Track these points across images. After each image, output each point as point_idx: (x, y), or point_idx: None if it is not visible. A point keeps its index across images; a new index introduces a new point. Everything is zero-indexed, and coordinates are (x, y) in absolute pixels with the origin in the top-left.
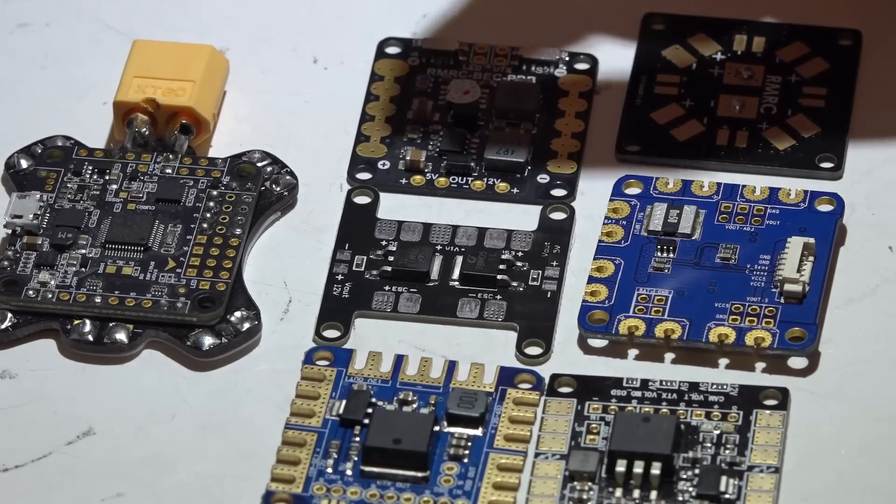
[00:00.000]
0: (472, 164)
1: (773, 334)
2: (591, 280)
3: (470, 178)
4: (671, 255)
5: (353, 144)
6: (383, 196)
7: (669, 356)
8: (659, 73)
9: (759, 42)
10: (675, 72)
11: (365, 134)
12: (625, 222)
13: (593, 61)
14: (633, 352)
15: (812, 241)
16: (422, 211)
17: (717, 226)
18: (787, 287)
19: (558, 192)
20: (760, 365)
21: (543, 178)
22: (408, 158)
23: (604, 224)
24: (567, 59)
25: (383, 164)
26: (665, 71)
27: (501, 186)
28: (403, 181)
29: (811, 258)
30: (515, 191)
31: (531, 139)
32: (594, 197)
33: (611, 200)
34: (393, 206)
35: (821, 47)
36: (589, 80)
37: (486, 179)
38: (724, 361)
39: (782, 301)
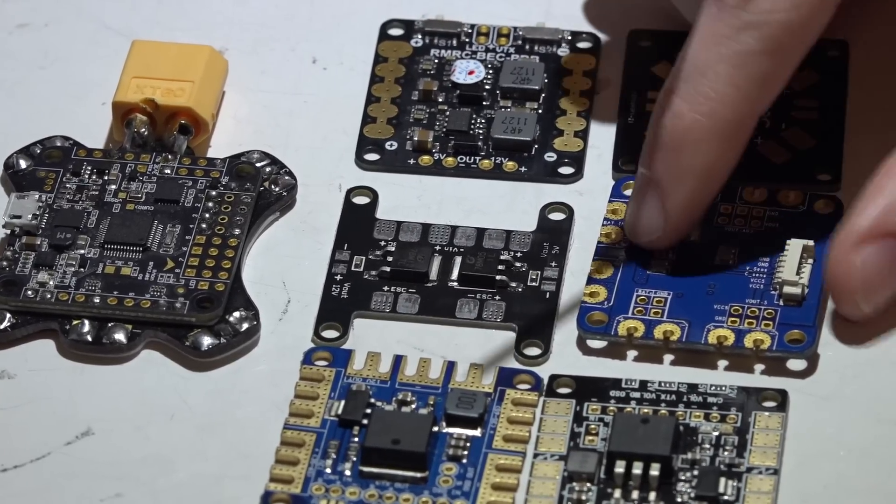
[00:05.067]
0: (480, 143)
1: (772, 336)
2: (590, 281)
3: (478, 158)
4: (670, 257)
5: (360, 126)
6: (392, 176)
7: (668, 357)
8: (649, 89)
9: None
10: None
11: (371, 115)
12: (624, 224)
13: (595, 40)
14: (632, 353)
15: (811, 243)
16: (421, 211)
17: (716, 227)
18: (787, 289)
19: (566, 171)
20: (759, 367)
21: (551, 157)
22: (415, 139)
23: (603, 225)
24: (569, 38)
25: (391, 145)
26: (655, 87)
27: (509, 165)
28: (411, 161)
29: (810, 261)
30: (523, 169)
31: (537, 118)
32: (593, 197)
33: (610, 202)
34: (392, 207)
35: (810, 59)
36: (592, 59)
37: (493, 159)
38: (722, 363)
39: (781, 303)
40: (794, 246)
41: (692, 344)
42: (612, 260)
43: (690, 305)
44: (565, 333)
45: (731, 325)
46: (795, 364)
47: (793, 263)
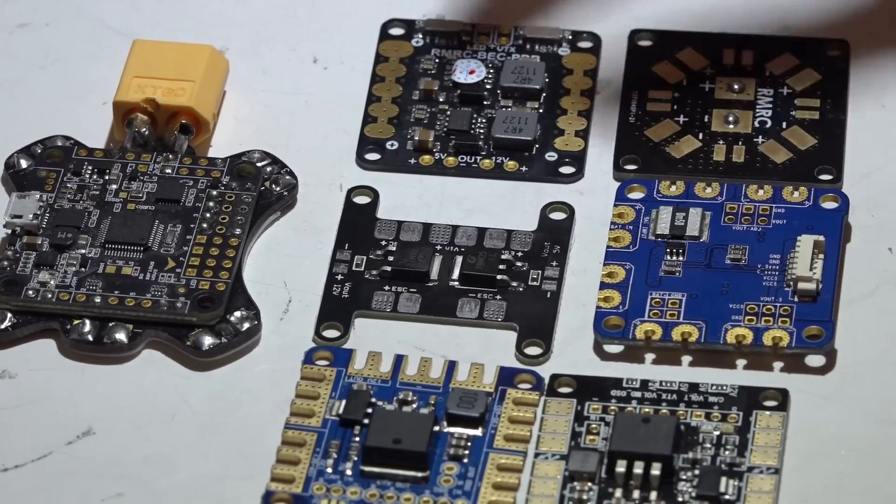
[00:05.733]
0: (481, 143)
1: (790, 333)
2: (603, 286)
3: (478, 157)
4: (681, 258)
5: (361, 125)
6: (392, 176)
7: (686, 359)
8: (650, 89)
9: (747, 55)
10: (666, 87)
11: (372, 115)
12: (631, 227)
13: (596, 39)
14: (649, 356)
15: (822, 238)
16: (422, 211)
17: (725, 227)
18: (801, 286)
19: (567, 170)
20: (761, 366)
21: (552, 156)
22: (416, 139)
23: (610, 229)
24: (570, 37)
25: (392, 145)
26: (656, 87)
27: (510, 165)
28: (412, 161)
29: (821, 256)
30: (524, 169)
31: (538, 117)
32: (594, 197)
33: (615, 206)
34: (393, 206)
35: (810, 59)
36: (593, 59)
37: (494, 158)
38: (741, 362)
39: (796, 300)
40: (805, 242)
41: (711, 344)
42: (622, 264)
43: (706, 306)
44: (566, 333)
45: (749, 323)
46: (814, 360)
47: (805, 259)
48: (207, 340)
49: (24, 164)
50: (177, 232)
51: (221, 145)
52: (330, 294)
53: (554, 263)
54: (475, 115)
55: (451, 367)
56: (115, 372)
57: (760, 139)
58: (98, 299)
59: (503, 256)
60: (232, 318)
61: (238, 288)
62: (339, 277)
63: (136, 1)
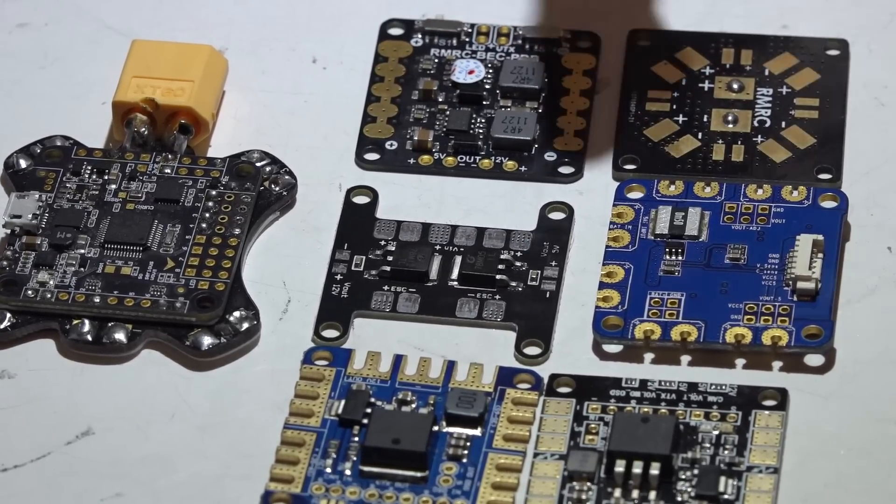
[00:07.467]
0: (480, 143)
1: (789, 332)
2: (602, 286)
3: (478, 157)
4: (680, 258)
5: (360, 125)
6: (392, 176)
7: (685, 358)
8: (649, 89)
9: (746, 55)
10: (666, 87)
11: (371, 115)
12: (630, 227)
13: (595, 39)
14: (648, 356)
15: (821, 238)
16: (421, 211)
17: (723, 226)
18: (801, 285)
19: (566, 170)
20: (760, 366)
21: (551, 156)
22: (415, 138)
23: (609, 229)
24: (569, 37)
25: (391, 145)
26: (655, 87)
27: (509, 165)
28: (411, 161)
29: (820, 255)
30: (523, 169)
31: (537, 117)
32: (593, 197)
33: (614, 205)
34: (392, 206)
35: (809, 58)
36: (592, 58)
37: (493, 158)
38: (740, 361)
39: (795, 299)
40: (804, 241)
41: (710, 344)
42: (621, 264)
43: (705, 305)
44: (565, 332)
45: (748, 322)
46: (813, 359)
47: (804, 258)
48: (207, 340)
49: (23, 163)
50: (176, 232)
51: (221, 145)
52: (329, 294)
53: (553, 263)
54: (474, 115)
55: (451, 366)
56: (114, 372)
57: (760, 138)
58: (97, 299)
59: (502, 256)
60: (231, 318)
61: (237, 288)
62: (339, 277)
63: (135, 1)
